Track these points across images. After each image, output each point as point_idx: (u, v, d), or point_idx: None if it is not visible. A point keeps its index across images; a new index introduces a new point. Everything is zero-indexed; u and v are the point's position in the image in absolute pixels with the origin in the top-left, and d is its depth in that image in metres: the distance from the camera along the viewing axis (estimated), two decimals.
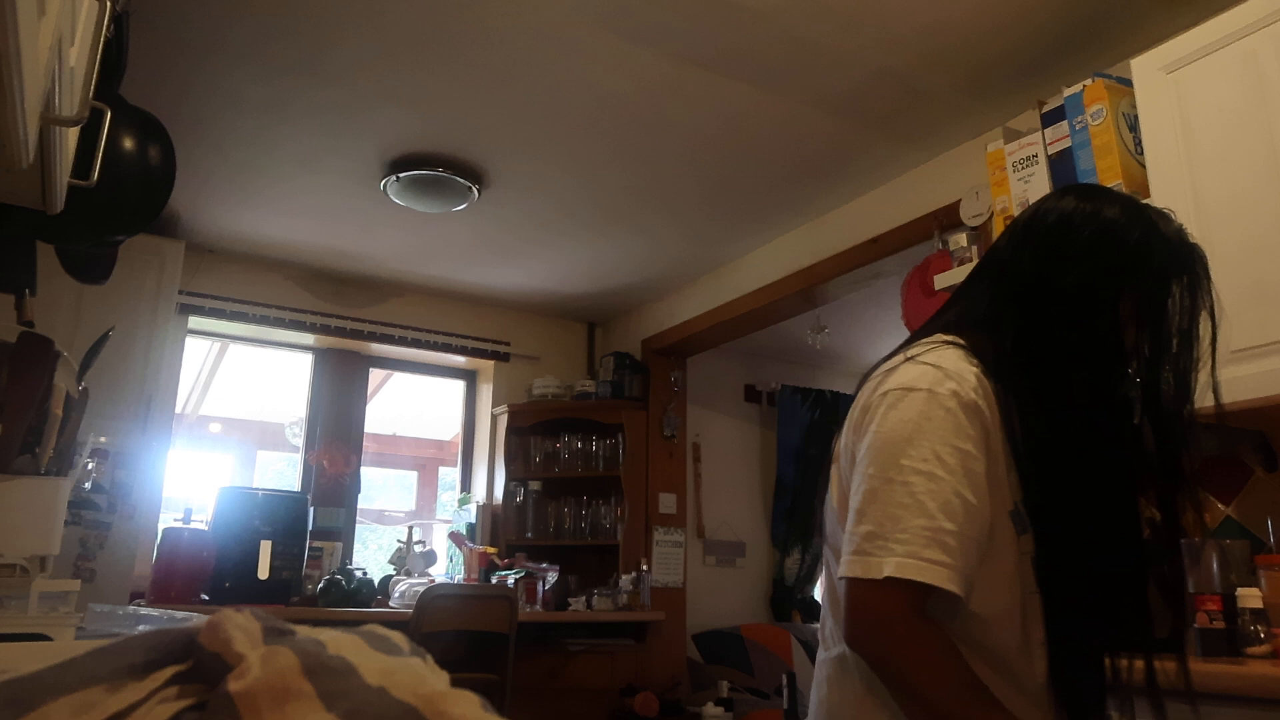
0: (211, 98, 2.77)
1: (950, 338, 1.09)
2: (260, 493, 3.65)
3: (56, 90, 1.07)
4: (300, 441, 4.41)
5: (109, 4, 1.26)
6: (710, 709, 3.74)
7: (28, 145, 0.98)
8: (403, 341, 4.42)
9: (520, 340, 4.78)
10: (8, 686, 0.40)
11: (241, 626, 0.45)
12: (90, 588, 2.94)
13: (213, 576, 3.39)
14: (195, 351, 4.58)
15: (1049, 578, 1.00)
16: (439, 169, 3.17)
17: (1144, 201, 1.17)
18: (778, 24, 2.36)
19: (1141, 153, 2.04)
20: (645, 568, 4.19)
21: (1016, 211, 2.36)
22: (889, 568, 0.92)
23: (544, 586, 4.00)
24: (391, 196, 3.35)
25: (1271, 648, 1.65)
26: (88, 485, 3.00)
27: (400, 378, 5.12)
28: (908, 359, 1.06)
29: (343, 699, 0.41)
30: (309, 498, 3.87)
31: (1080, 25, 2.33)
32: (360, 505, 4.37)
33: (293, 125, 2.94)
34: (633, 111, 2.82)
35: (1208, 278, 1.07)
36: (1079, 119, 2.19)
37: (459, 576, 4.14)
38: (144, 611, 1.58)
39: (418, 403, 5.59)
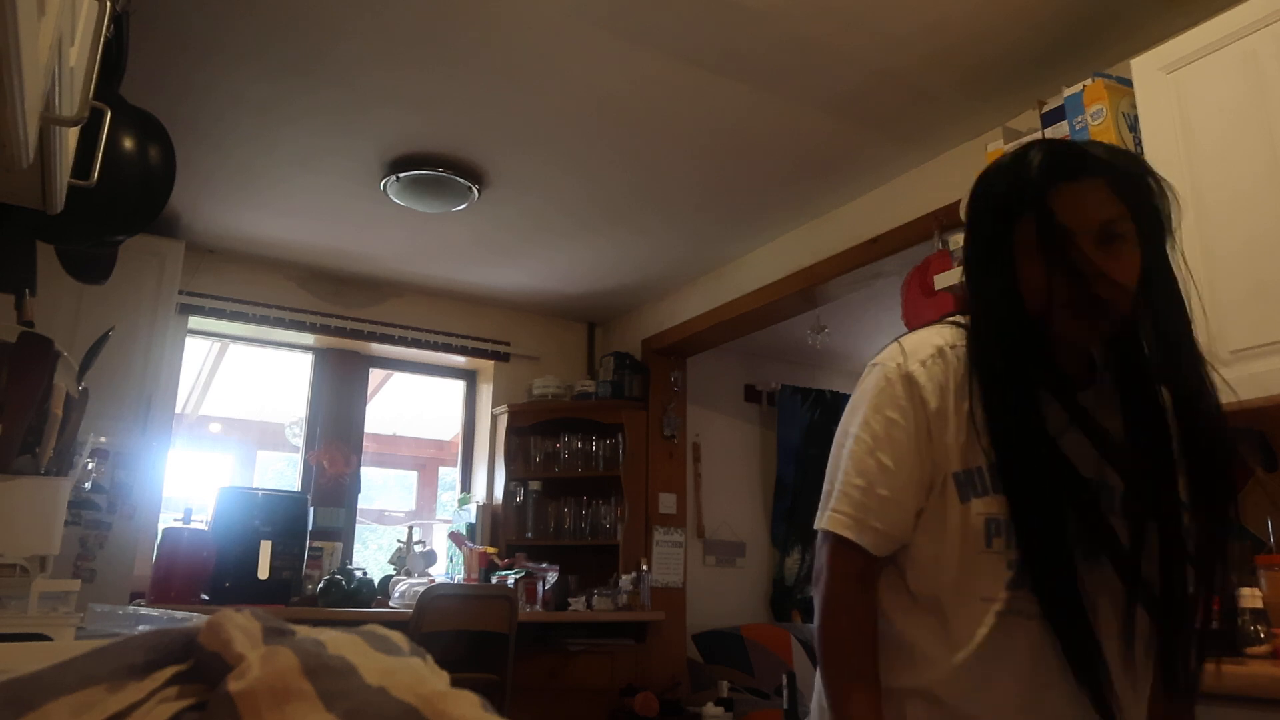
0: (212, 98, 2.77)
1: (957, 316, 1.15)
2: (260, 493, 3.65)
3: (56, 90, 1.07)
4: (300, 441, 4.41)
5: (109, 4, 1.26)
6: (710, 709, 3.74)
7: (28, 145, 0.98)
8: (403, 341, 4.42)
9: (520, 340, 4.78)
10: (8, 686, 0.40)
11: (241, 626, 0.45)
12: (90, 588, 2.94)
13: (213, 576, 3.39)
14: (195, 351, 4.59)
15: (1019, 543, 1.03)
16: (439, 169, 3.17)
17: (1034, 141, 1.16)
18: (778, 24, 2.36)
19: (1141, 153, 2.04)
20: (645, 568, 4.19)
21: None
22: (823, 521, 1.11)
23: (544, 586, 4.00)
24: (391, 196, 3.35)
25: (1271, 648, 1.65)
26: (88, 485, 3.00)
27: (400, 378, 5.13)
28: (896, 338, 1.17)
29: (343, 699, 0.41)
30: (309, 498, 3.87)
31: (1080, 25, 2.33)
32: (360, 505, 4.37)
33: (293, 125, 2.94)
34: (633, 111, 2.82)
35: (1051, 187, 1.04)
36: (1079, 119, 2.19)
37: (459, 576, 4.14)
38: (144, 611, 1.58)
39: (418, 403, 5.59)
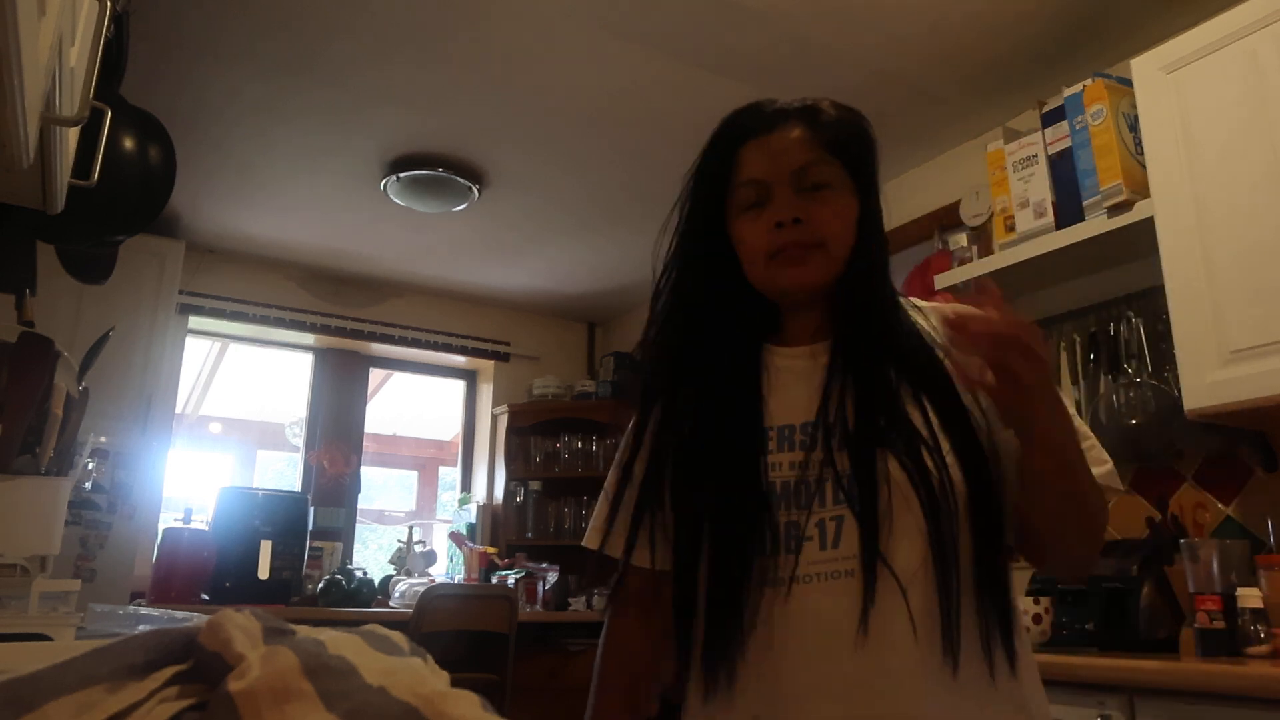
0: (212, 98, 2.77)
1: None
2: (260, 493, 3.66)
3: (56, 90, 1.07)
4: (300, 441, 4.41)
5: (109, 4, 1.26)
6: None
7: (28, 145, 0.98)
8: (403, 341, 4.42)
9: (520, 340, 4.78)
10: (8, 686, 0.40)
11: (241, 626, 0.45)
12: (90, 588, 2.94)
13: (213, 576, 3.39)
14: (195, 351, 4.59)
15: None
16: (439, 169, 3.17)
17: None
18: (778, 24, 2.36)
19: (1141, 153, 2.04)
20: None
21: (1016, 211, 2.36)
22: None
23: (544, 586, 3.99)
24: (391, 196, 3.35)
25: (1271, 648, 1.65)
26: (88, 485, 3.00)
27: (400, 378, 5.13)
28: None
29: (343, 699, 0.41)
30: (309, 498, 3.87)
31: (1080, 25, 2.33)
32: (360, 505, 4.37)
33: (293, 125, 2.94)
34: (633, 111, 2.82)
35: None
36: (1079, 119, 2.19)
37: (459, 576, 4.14)
38: (144, 611, 1.58)
39: (418, 403, 5.59)
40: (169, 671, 0.44)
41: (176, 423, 3.85)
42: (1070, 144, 2.22)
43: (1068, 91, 2.24)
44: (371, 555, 4.84)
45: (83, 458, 1.62)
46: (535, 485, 4.46)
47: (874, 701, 0.85)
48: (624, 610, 1.10)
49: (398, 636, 0.52)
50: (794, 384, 1.01)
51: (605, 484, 1.08)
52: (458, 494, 4.76)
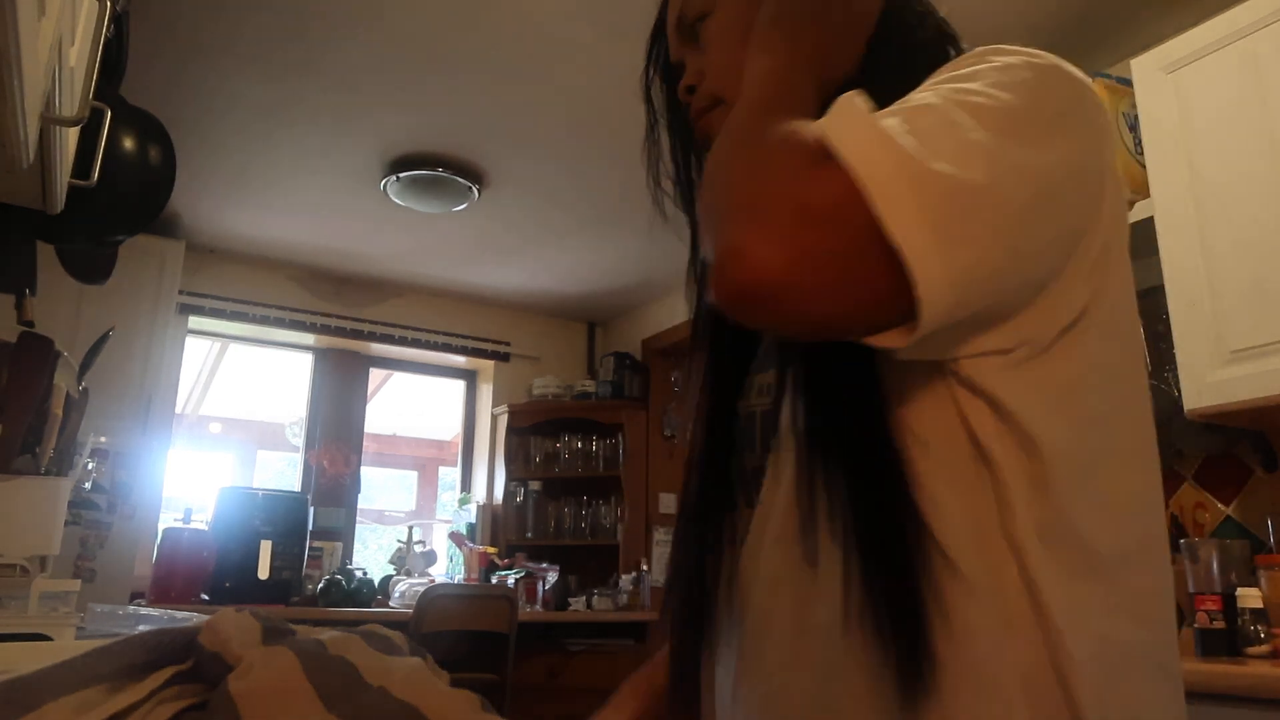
0: (212, 97, 2.77)
1: None
2: (260, 493, 3.65)
3: (56, 90, 1.07)
4: (300, 441, 4.41)
5: (109, 4, 1.26)
6: None
7: (28, 145, 0.98)
8: (403, 341, 4.42)
9: (520, 340, 4.78)
10: (8, 686, 0.40)
11: (241, 626, 0.45)
12: (90, 588, 2.94)
13: (213, 576, 3.39)
14: (195, 351, 4.59)
15: None
16: (439, 169, 3.17)
17: None
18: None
19: (1141, 153, 2.04)
20: (645, 568, 4.18)
21: None
22: None
23: (544, 586, 3.99)
24: (391, 196, 3.35)
25: (1271, 648, 1.65)
26: (88, 485, 3.00)
27: (400, 378, 5.13)
28: None
29: (343, 699, 0.41)
30: (309, 498, 3.87)
31: (1080, 25, 2.33)
32: (360, 505, 4.37)
33: (293, 125, 2.94)
34: (633, 111, 2.81)
35: None
36: None
37: (459, 576, 4.14)
38: (144, 611, 1.58)
39: (418, 403, 5.59)
40: (169, 671, 0.44)
41: (176, 423, 3.85)
42: None
43: None
44: (371, 555, 4.84)
45: (83, 458, 1.62)
46: (535, 485, 4.46)
47: None
48: None
49: (398, 636, 0.52)
50: None
51: None
52: (458, 494, 4.76)
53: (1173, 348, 1.88)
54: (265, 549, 3.47)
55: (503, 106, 2.80)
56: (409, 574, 3.91)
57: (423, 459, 5.69)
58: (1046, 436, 0.57)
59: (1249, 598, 1.69)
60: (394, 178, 3.20)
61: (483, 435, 4.74)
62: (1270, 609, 1.69)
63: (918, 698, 0.55)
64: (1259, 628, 1.67)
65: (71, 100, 1.14)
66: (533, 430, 4.48)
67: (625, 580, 4.10)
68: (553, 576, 4.07)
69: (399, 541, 4.09)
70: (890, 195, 0.48)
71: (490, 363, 4.71)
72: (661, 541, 4.38)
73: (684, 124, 0.88)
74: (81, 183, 1.28)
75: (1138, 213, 2.05)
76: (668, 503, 4.47)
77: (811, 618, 0.61)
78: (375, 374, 4.75)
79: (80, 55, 1.16)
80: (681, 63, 0.85)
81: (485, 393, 4.76)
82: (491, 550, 4.14)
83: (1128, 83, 2.08)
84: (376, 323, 4.37)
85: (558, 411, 4.45)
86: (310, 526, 3.73)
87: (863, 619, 0.57)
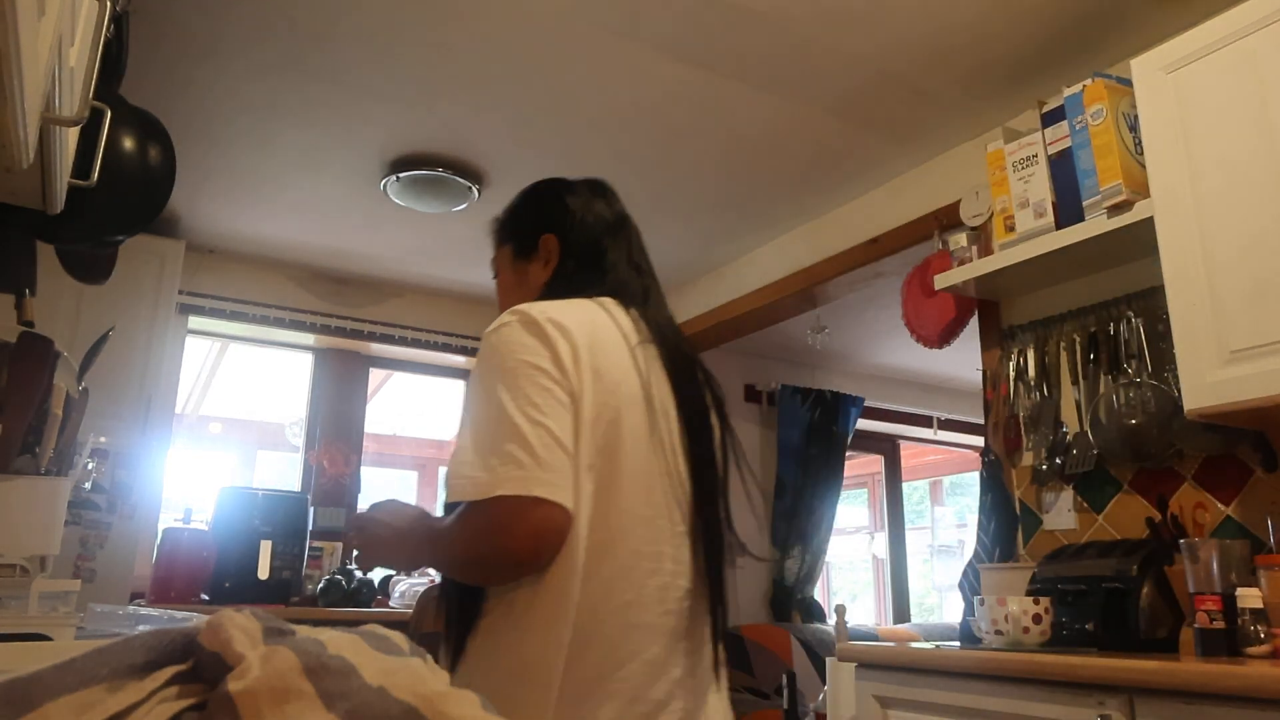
0: (212, 98, 2.77)
1: None
2: (260, 493, 3.65)
3: (56, 90, 1.07)
4: (300, 441, 4.41)
5: (109, 4, 1.26)
6: None
7: (28, 145, 0.98)
8: (403, 341, 4.42)
9: None
10: (8, 686, 0.40)
11: (241, 626, 0.45)
12: (90, 588, 2.94)
13: (213, 576, 3.39)
14: (195, 351, 4.58)
15: None
16: (439, 169, 3.17)
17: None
18: (779, 25, 2.36)
19: (1141, 153, 2.04)
20: None
21: (1016, 211, 2.36)
22: None
23: None
24: (391, 196, 3.35)
25: (1271, 648, 1.65)
26: (88, 485, 3.00)
27: (400, 378, 5.12)
28: None
29: (343, 699, 0.41)
30: (309, 498, 3.87)
31: (1080, 25, 2.33)
32: (360, 505, 4.37)
33: (293, 125, 2.94)
34: (632, 112, 2.82)
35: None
36: (1079, 119, 2.19)
37: None
38: (144, 611, 1.58)
39: (418, 403, 5.58)
40: (169, 671, 0.44)
41: (176, 423, 3.85)
42: (1070, 144, 2.22)
43: (1068, 91, 2.24)
44: None
45: (83, 458, 1.62)
46: None
47: None
48: None
49: (398, 636, 0.52)
50: None
51: None
52: None
53: (1173, 348, 1.88)
54: (265, 549, 3.47)
55: (503, 106, 2.80)
56: (409, 574, 3.91)
57: (423, 459, 5.68)
58: None
59: (1249, 598, 1.69)
60: (394, 178, 3.20)
61: None
62: (1270, 609, 1.69)
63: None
64: (1259, 628, 1.67)
65: (71, 100, 1.14)
66: None
67: None
68: None
69: None
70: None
71: None
72: None
73: None
74: (81, 183, 1.28)
75: (1138, 213, 2.05)
76: None
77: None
78: (375, 374, 4.75)
79: (80, 55, 1.16)
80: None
81: None
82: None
83: (1128, 83, 2.08)
84: (376, 323, 4.36)
85: None
86: (310, 527, 3.73)
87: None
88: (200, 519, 3.51)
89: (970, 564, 2.54)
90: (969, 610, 2.26)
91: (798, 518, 4.99)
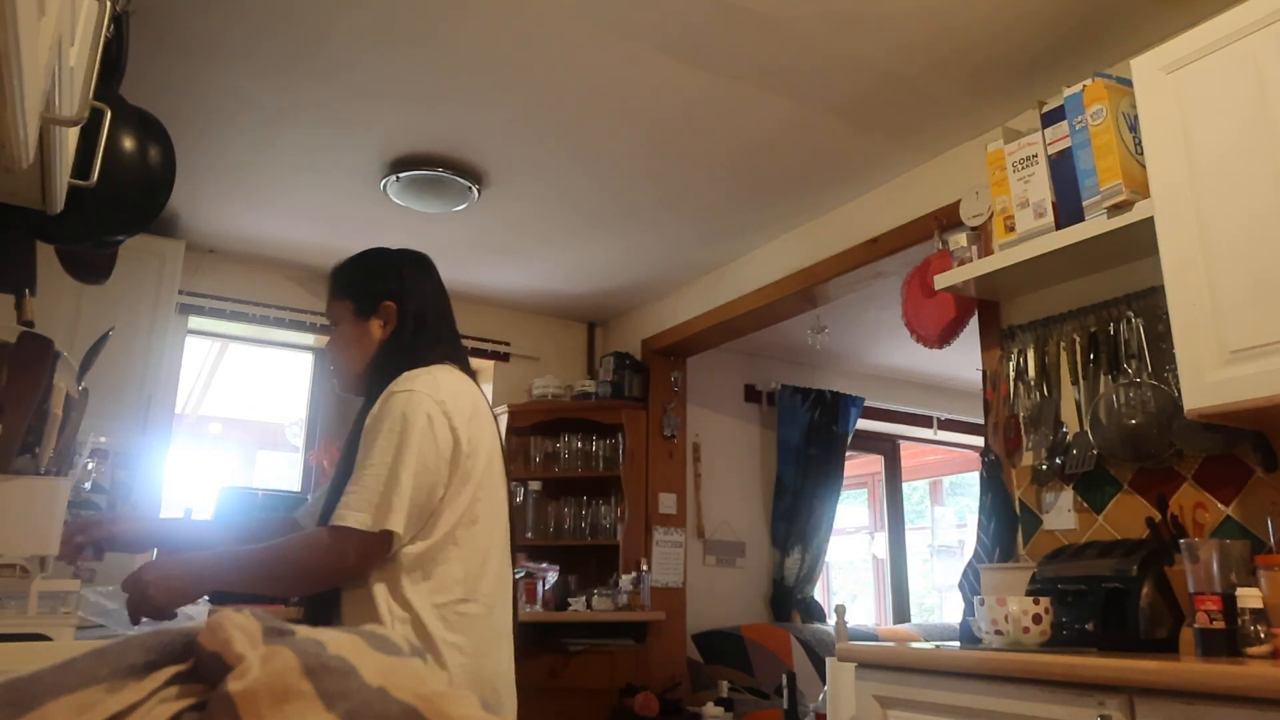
0: (212, 98, 2.77)
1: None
2: (260, 493, 3.65)
3: (56, 90, 1.07)
4: (300, 441, 4.41)
5: (109, 4, 1.26)
6: (710, 709, 3.74)
7: (28, 145, 0.98)
8: None
9: (520, 340, 4.78)
10: (8, 686, 0.40)
11: (241, 627, 0.45)
12: (90, 588, 2.93)
13: None
14: (195, 351, 4.58)
15: None
16: (439, 169, 3.17)
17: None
18: (781, 27, 2.36)
19: (1141, 153, 2.04)
20: (645, 568, 4.19)
21: (1016, 211, 2.36)
22: None
23: (544, 586, 3.99)
24: (391, 196, 3.35)
25: (1271, 648, 1.65)
26: (88, 485, 3.00)
27: None
28: None
29: (343, 699, 0.41)
30: (309, 498, 3.87)
31: (1080, 25, 2.33)
32: None
33: (293, 125, 2.94)
34: (633, 111, 2.82)
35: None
36: (1079, 119, 2.19)
37: None
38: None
39: None
40: (169, 672, 0.44)
41: (176, 423, 3.85)
42: (1070, 144, 2.22)
43: (1068, 91, 2.24)
44: None
45: (83, 458, 1.62)
46: (535, 485, 4.46)
47: None
48: None
49: (397, 636, 0.52)
50: None
51: None
52: None
53: (1173, 348, 1.88)
54: None
55: (503, 106, 2.80)
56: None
57: None
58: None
59: (1249, 598, 1.69)
60: (394, 178, 3.20)
61: None
62: (1270, 609, 1.69)
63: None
64: (1259, 628, 1.67)
65: (71, 100, 1.14)
66: (533, 430, 4.48)
67: (625, 580, 4.10)
68: (553, 576, 4.07)
69: None
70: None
71: (490, 363, 4.71)
72: (661, 541, 4.38)
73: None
74: (81, 183, 1.28)
75: (1138, 213, 2.05)
76: (668, 503, 4.47)
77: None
78: None
79: (80, 55, 1.16)
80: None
81: (485, 393, 4.75)
82: None
83: (1128, 83, 2.08)
84: None
85: (558, 411, 4.45)
86: None
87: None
88: (200, 519, 3.50)
89: (970, 564, 2.54)
90: (969, 610, 2.26)
91: (798, 518, 4.99)
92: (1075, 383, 2.39)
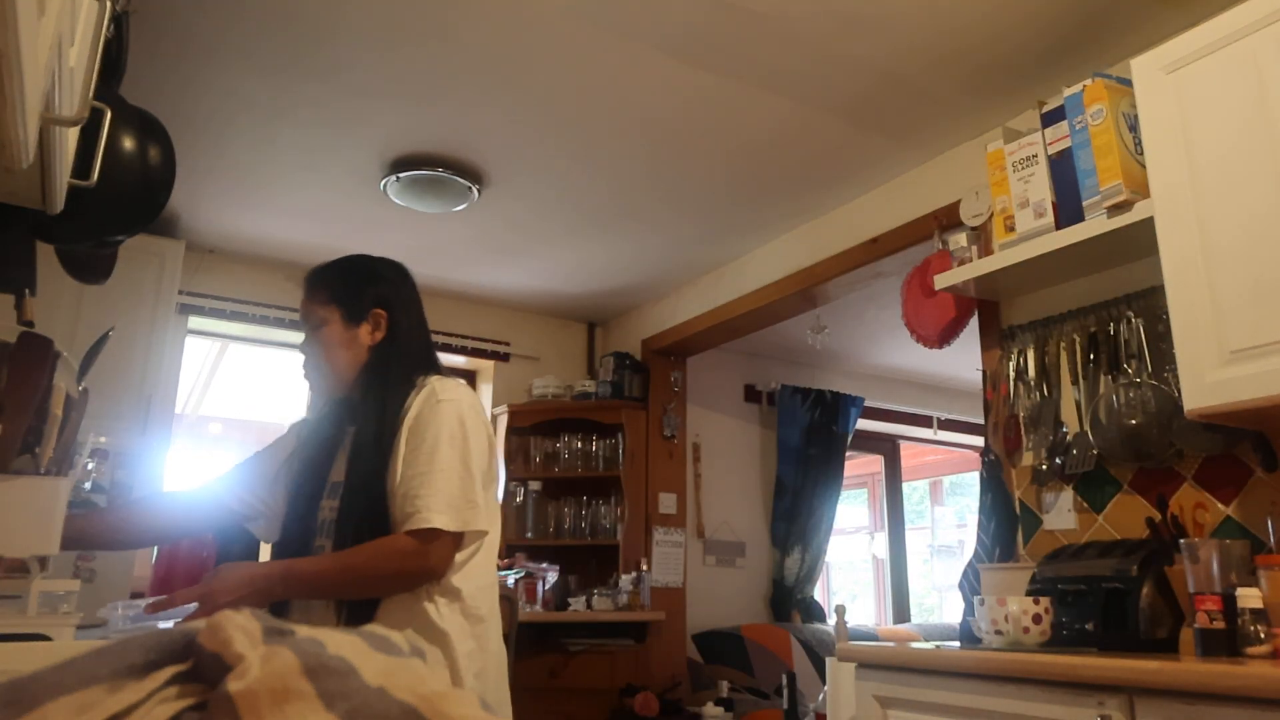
0: (212, 97, 2.77)
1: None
2: None
3: (56, 90, 1.07)
4: None
5: (109, 4, 1.26)
6: (710, 709, 3.74)
7: (28, 145, 0.98)
8: None
9: (520, 340, 4.78)
10: (8, 686, 0.40)
11: (241, 627, 0.45)
12: (90, 588, 2.93)
13: None
14: (195, 351, 4.58)
15: None
16: (439, 169, 3.17)
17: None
18: (782, 27, 2.36)
19: (1141, 153, 2.04)
20: (645, 568, 4.19)
21: (1016, 211, 2.36)
22: None
23: (544, 586, 3.99)
24: (391, 196, 3.35)
25: (1271, 648, 1.65)
26: (88, 485, 3.00)
27: None
28: None
29: (343, 699, 0.41)
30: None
31: (1080, 25, 2.33)
32: None
33: (293, 125, 2.94)
34: (633, 112, 2.82)
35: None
36: (1079, 119, 2.19)
37: None
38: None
39: None
40: (169, 672, 0.44)
41: (176, 423, 3.85)
42: (1070, 144, 2.22)
43: (1068, 91, 2.24)
44: None
45: (83, 458, 1.62)
46: (535, 485, 4.46)
47: None
48: None
49: (397, 636, 0.52)
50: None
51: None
52: None
53: (1173, 348, 1.88)
54: (265, 549, 3.47)
55: (503, 106, 2.80)
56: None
57: None
58: None
59: (1249, 598, 1.69)
60: (394, 178, 3.20)
61: None
62: (1270, 609, 1.69)
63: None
64: (1259, 628, 1.67)
65: (71, 100, 1.14)
66: (533, 430, 4.48)
67: (625, 580, 4.10)
68: (553, 576, 4.07)
69: None
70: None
71: (490, 363, 4.71)
72: (661, 541, 4.38)
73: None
74: (81, 183, 1.28)
75: (1138, 213, 2.05)
76: (668, 503, 4.47)
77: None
78: None
79: (80, 55, 1.16)
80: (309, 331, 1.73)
81: (485, 393, 4.76)
82: None
83: (1128, 83, 2.08)
84: None
85: (558, 411, 4.45)
86: None
87: None
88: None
89: (970, 564, 2.54)
90: (969, 610, 2.26)
91: (798, 518, 4.99)
92: (1075, 383, 2.39)
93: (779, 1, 2.27)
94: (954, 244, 2.62)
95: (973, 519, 2.88)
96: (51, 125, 1.09)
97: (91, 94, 1.14)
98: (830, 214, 3.51)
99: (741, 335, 4.33)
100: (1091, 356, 2.35)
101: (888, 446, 5.91)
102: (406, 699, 0.42)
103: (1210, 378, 1.78)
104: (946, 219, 2.85)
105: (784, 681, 3.49)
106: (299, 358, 1.73)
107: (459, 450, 1.51)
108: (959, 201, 2.73)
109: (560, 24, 2.39)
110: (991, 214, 2.51)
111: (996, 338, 2.67)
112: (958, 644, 2.15)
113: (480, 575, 1.56)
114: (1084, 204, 2.17)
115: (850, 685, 2.15)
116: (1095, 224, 2.14)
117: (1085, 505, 2.35)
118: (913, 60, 2.51)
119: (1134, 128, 2.10)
